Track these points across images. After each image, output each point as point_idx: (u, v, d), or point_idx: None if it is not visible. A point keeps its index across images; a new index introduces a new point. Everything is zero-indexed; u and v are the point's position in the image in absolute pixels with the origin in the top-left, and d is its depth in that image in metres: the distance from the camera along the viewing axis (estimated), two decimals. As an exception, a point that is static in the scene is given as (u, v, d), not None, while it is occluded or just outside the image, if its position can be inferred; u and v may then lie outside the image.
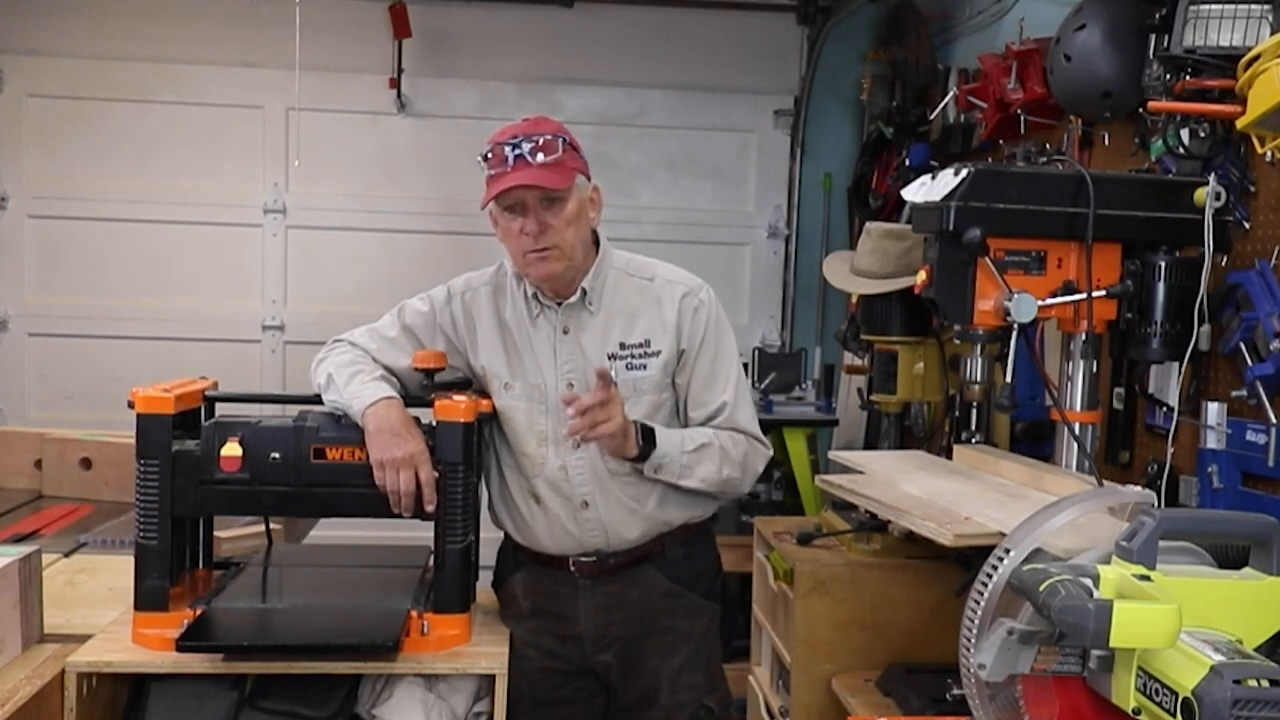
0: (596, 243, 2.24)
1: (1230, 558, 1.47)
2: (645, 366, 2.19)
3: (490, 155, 2.09)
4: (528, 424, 2.21)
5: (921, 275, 2.13)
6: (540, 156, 2.06)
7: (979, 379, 2.30)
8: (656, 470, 2.14)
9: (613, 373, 2.13)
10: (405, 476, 2.00)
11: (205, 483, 2.03)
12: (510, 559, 2.32)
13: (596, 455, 2.17)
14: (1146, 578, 1.35)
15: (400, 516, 2.04)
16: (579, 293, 2.18)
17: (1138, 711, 1.33)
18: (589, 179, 2.18)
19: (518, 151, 2.06)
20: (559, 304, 2.19)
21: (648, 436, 2.12)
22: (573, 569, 2.22)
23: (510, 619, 2.27)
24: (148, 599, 2.05)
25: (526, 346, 2.21)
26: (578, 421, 2.00)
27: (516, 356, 2.22)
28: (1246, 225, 2.22)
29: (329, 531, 2.84)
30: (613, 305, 2.21)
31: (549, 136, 2.08)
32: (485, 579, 2.32)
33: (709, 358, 2.23)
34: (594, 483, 2.19)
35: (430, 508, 2.03)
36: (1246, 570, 1.45)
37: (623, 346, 2.19)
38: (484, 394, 2.24)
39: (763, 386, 4.07)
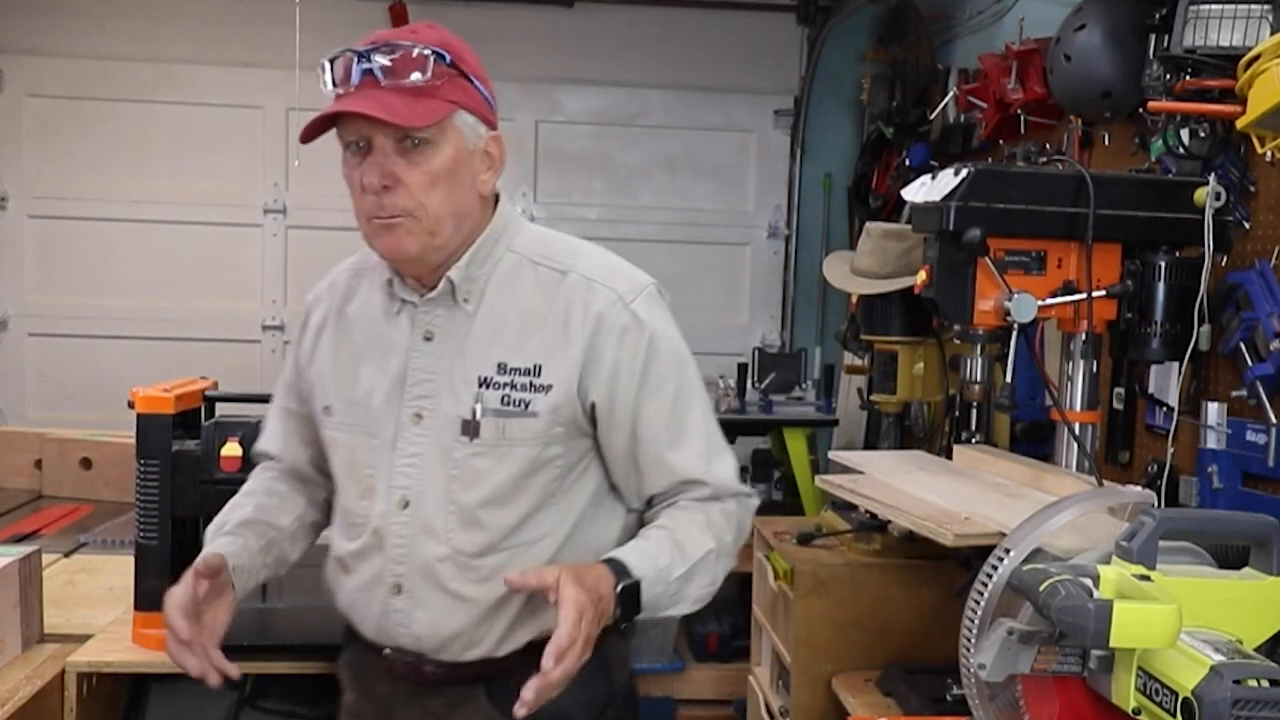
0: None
1: (1230, 558, 1.47)
2: (526, 406, 1.49)
3: (333, 67, 1.46)
4: (349, 466, 1.57)
5: (921, 275, 2.13)
6: (410, 76, 1.41)
7: (979, 379, 2.30)
8: (640, 619, 1.50)
9: (478, 408, 1.48)
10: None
11: (205, 483, 2.04)
12: (344, 628, 1.70)
13: (429, 519, 1.51)
14: (1146, 578, 1.35)
15: None
16: (444, 283, 1.53)
17: (1138, 711, 1.33)
18: (489, 124, 1.51)
19: (366, 65, 1.43)
20: (422, 296, 1.55)
21: (629, 596, 1.44)
22: (387, 662, 1.60)
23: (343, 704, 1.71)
24: (148, 599, 2.05)
25: (369, 352, 1.57)
26: (545, 677, 1.31)
27: (349, 366, 1.58)
28: (1246, 225, 2.22)
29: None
30: (499, 305, 1.53)
31: (421, 50, 1.43)
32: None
33: (661, 405, 1.53)
34: (413, 564, 1.52)
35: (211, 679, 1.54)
36: (1246, 570, 1.44)
37: (502, 369, 1.50)
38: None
39: (763, 386, 4.07)
